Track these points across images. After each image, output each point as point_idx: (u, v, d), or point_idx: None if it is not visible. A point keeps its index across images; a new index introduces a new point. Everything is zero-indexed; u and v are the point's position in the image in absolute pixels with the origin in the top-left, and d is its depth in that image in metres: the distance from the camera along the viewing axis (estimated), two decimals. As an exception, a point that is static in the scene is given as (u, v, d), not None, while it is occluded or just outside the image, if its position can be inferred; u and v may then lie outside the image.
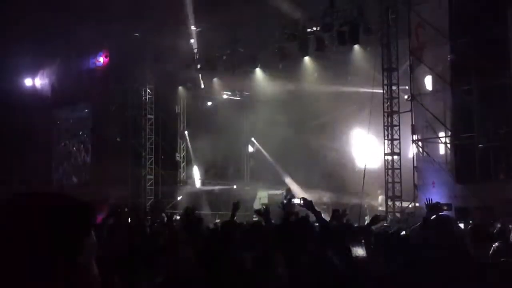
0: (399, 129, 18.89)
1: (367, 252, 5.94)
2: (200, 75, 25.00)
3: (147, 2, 21.91)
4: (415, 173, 18.28)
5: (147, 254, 5.14)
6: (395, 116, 18.96)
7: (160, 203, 24.50)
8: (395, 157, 18.89)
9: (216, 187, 26.95)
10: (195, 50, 24.23)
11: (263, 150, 27.66)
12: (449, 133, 17.44)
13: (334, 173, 24.18)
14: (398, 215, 18.18)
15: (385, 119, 19.01)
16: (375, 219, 7.06)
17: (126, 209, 13.60)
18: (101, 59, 25.76)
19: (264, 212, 6.75)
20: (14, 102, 26.55)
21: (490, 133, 16.47)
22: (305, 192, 21.92)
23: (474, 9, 16.43)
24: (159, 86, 26.06)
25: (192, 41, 23.97)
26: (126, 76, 25.29)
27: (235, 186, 27.05)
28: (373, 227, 6.54)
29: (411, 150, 18.89)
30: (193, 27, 23.45)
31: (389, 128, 18.95)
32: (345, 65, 22.23)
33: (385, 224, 14.98)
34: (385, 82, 19.07)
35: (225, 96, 28.14)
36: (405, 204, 18.60)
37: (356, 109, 23.81)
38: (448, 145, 17.62)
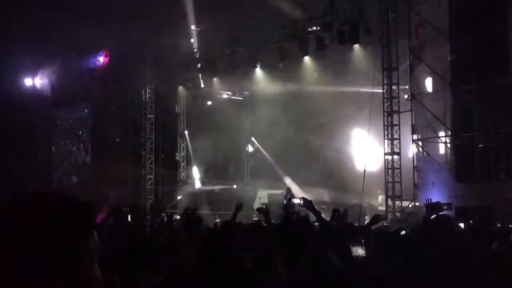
0: (399, 128, 18.89)
1: (367, 252, 5.94)
2: (200, 75, 24.99)
3: (147, 2, 21.92)
4: (415, 173, 18.28)
5: (147, 254, 5.14)
6: (395, 116, 18.96)
7: (160, 203, 24.51)
8: (395, 156, 18.90)
9: (216, 187, 26.96)
10: (195, 50, 24.23)
11: (262, 150, 27.67)
12: (449, 132, 17.44)
13: (334, 173, 24.19)
14: (398, 214, 18.18)
15: (385, 119, 19.01)
16: (375, 218, 7.06)
17: (126, 209, 13.60)
18: (101, 59, 25.77)
19: (264, 212, 6.76)
20: (14, 102, 26.57)
21: (490, 133, 16.47)
22: (304, 191, 21.93)
23: (474, 9, 16.43)
24: (159, 86, 26.07)
25: (192, 41, 23.97)
26: (126, 76, 25.30)
27: (235, 186, 27.06)
28: (373, 227, 6.54)
29: (411, 150, 18.90)
30: (193, 27, 23.45)
31: (389, 127, 18.96)
32: (345, 64, 22.24)
33: (385, 224, 14.98)
34: (385, 81, 19.07)
35: (225, 96, 28.15)
36: (405, 203, 18.61)
37: (356, 108, 23.82)
38: (448, 145, 17.62)
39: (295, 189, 22.73)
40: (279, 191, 22.95)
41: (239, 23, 21.79)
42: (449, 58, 17.26)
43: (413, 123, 18.20)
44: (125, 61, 24.81)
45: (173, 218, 10.98)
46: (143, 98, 26.21)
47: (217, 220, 18.96)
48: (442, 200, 14.54)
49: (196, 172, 27.64)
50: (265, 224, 6.56)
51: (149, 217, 17.17)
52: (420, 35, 18.05)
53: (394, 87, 19.04)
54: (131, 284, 4.38)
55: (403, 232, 7.08)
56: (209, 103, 27.90)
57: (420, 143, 18.27)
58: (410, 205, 18.26)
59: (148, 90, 26.19)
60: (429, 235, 4.28)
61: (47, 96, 28.37)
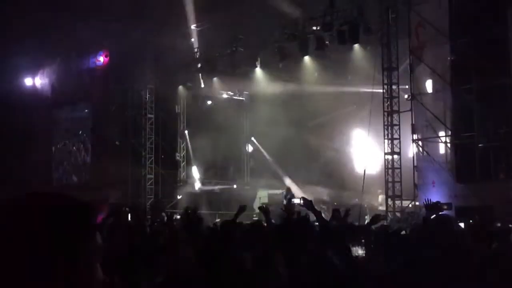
0: (399, 128, 18.90)
1: (367, 252, 5.94)
2: (200, 74, 25.00)
3: (147, 2, 21.92)
4: (415, 173, 18.29)
5: (147, 254, 5.14)
6: (395, 116, 18.97)
7: (160, 203, 24.50)
8: (395, 156, 18.91)
9: (216, 187, 26.96)
10: (195, 50, 24.24)
11: (262, 150, 27.68)
12: (449, 132, 17.44)
13: (334, 173, 24.21)
14: (398, 214, 18.19)
15: (385, 119, 19.02)
16: (375, 218, 7.05)
17: (126, 209, 13.62)
18: (101, 59, 25.76)
19: (265, 211, 6.77)
20: (14, 101, 26.56)
21: (490, 132, 16.47)
22: (304, 190, 21.96)
23: (474, 9, 16.44)
24: (159, 86, 26.06)
25: (192, 41, 23.98)
26: (126, 75, 25.29)
27: (235, 186, 27.06)
28: (373, 227, 6.54)
29: (411, 150, 18.90)
30: (193, 27, 23.45)
31: (389, 127, 18.96)
32: (345, 64, 22.25)
33: (385, 223, 14.98)
34: (385, 81, 19.08)
35: (225, 96, 28.16)
36: (405, 203, 18.61)
37: (356, 108, 23.84)
38: (448, 145, 17.62)
39: (295, 189, 22.74)
40: (279, 191, 22.97)
41: (239, 23, 21.80)
42: (449, 58, 17.26)
43: (413, 123, 18.20)
44: (125, 61, 24.80)
45: (173, 218, 10.97)
46: (143, 98, 26.21)
47: (217, 220, 18.98)
48: (442, 200, 14.54)
49: (195, 172, 27.63)
50: (265, 224, 6.56)
51: (149, 217, 17.16)
52: (420, 35, 18.05)
53: (394, 87, 19.06)
54: (131, 284, 4.38)
55: (403, 232, 7.08)
56: (209, 103, 27.90)
57: (420, 143, 18.27)
58: (410, 205, 18.27)
59: (148, 90, 26.19)
60: (429, 235, 4.28)
61: (47, 96, 28.37)
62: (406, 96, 18.88)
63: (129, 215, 12.77)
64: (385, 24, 19.04)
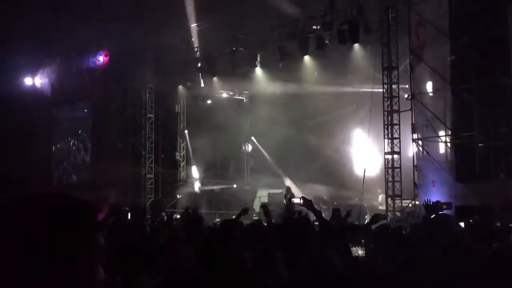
0: (399, 128, 18.91)
1: (367, 252, 5.94)
2: (200, 74, 24.99)
3: (147, 2, 21.92)
4: (415, 172, 18.29)
5: (147, 254, 5.14)
6: (395, 115, 18.98)
7: (160, 202, 24.45)
8: (395, 156, 18.91)
9: (216, 186, 26.97)
10: (195, 49, 24.23)
11: (262, 150, 27.68)
12: (449, 132, 17.43)
13: (334, 172, 24.21)
14: (398, 214, 18.19)
15: (385, 118, 19.03)
16: (375, 218, 7.06)
17: (126, 209, 13.61)
18: (101, 58, 25.77)
19: (265, 210, 6.79)
20: (14, 101, 26.57)
21: (490, 132, 16.46)
22: (303, 188, 21.97)
23: (474, 8, 16.43)
24: (159, 85, 26.06)
25: (192, 40, 23.97)
26: (126, 75, 25.29)
27: (235, 185, 27.07)
28: (373, 226, 6.54)
29: (411, 149, 18.90)
30: (193, 26, 23.45)
31: (389, 127, 18.97)
32: (345, 64, 22.24)
33: (385, 222, 14.97)
34: (385, 81, 19.09)
35: (225, 95, 28.16)
36: (405, 203, 18.62)
37: (356, 108, 23.85)
38: (448, 144, 17.61)
39: (295, 189, 22.74)
40: (279, 191, 22.97)
41: (239, 22, 21.79)
42: (449, 58, 17.25)
43: (413, 122, 18.20)
44: (125, 61, 24.80)
45: (173, 218, 10.97)
46: (143, 97, 26.20)
47: (217, 220, 18.97)
48: (442, 200, 14.55)
49: (195, 171, 27.63)
50: (265, 223, 6.56)
51: (149, 216, 17.14)
52: (420, 34, 18.05)
53: (394, 87, 19.06)
54: (131, 284, 4.38)
55: (403, 232, 7.07)
56: (209, 102, 27.91)
57: (420, 142, 18.27)
58: (410, 205, 18.27)
59: (148, 89, 26.19)
60: (429, 234, 4.28)
61: (47, 96, 28.38)
62: (406, 96, 18.87)
63: (129, 214, 12.77)
64: (385, 24, 19.04)
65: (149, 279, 4.67)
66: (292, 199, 19.75)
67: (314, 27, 20.49)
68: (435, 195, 15.33)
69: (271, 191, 23.78)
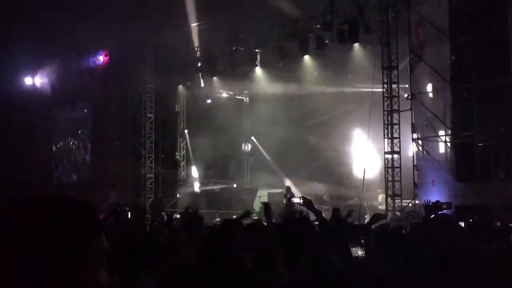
0: (399, 127, 18.91)
1: (367, 252, 5.94)
2: (200, 74, 24.99)
3: (147, 1, 21.92)
4: (415, 172, 18.29)
5: (147, 254, 5.13)
6: (395, 115, 18.98)
7: (160, 202, 24.48)
8: (395, 155, 18.91)
9: (216, 186, 26.97)
10: (195, 49, 24.24)
11: (261, 149, 27.69)
12: (449, 131, 17.43)
13: (333, 172, 24.22)
14: (398, 213, 18.19)
15: (385, 118, 19.03)
16: (375, 217, 7.06)
17: (126, 208, 13.60)
18: (101, 58, 25.76)
19: (266, 210, 6.79)
20: (14, 101, 26.58)
21: (490, 132, 16.45)
22: (304, 188, 21.98)
23: (474, 8, 16.43)
24: (159, 85, 26.05)
25: (192, 40, 23.97)
26: (126, 75, 25.29)
27: (235, 185, 27.07)
28: (373, 226, 6.54)
29: (411, 149, 18.90)
30: (193, 26, 23.45)
31: (389, 126, 18.97)
32: (345, 63, 22.24)
33: (384, 222, 14.97)
34: (385, 80, 19.08)
35: (225, 95, 28.16)
36: (405, 202, 18.62)
37: (356, 107, 23.85)
38: (448, 144, 17.61)
39: (295, 188, 22.75)
40: (279, 190, 22.97)
41: (239, 22, 21.79)
42: (449, 58, 17.25)
43: (413, 122, 18.20)
44: (125, 61, 24.80)
45: (173, 217, 10.97)
46: (143, 97, 26.19)
47: (217, 219, 18.98)
48: (442, 199, 14.55)
49: (194, 172, 27.63)
50: (265, 223, 6.56)
51: (149, 216, 17.15)
52: (420, 34, 18.04)
53: (394, 86, 19.06)
54: (131, 284, 4.38)
55: (403, 231, 7.07)
56: (209, 102, 27.91)
57: (420, 142, 18.27)
58: (410, 204, 18.27)
59: (148, 89, 26.18)
60: (429, 234, 4.28)
61: (47, 95, 28.38)
62: (406, 95, 18.87)
63: (129, 214, 12.76)
64: (385, 24, 19.04)
65: (149, 279, 4.67)
66: (292, 199, 19.76)
67: (314, 26, 20.49)
68: (435, 195, 15.33)
69: (271, 190, 23.79)
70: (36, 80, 28.82)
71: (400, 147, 18.91)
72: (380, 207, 19.91)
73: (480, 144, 16.58)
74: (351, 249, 5.74)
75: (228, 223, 6.26)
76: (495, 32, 16.05)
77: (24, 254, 1.46)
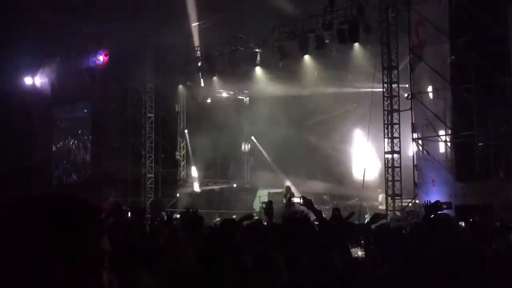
0: (399, 127, 18.92)
1: (366, 251, 5.94)
2: (200, 73, 25.00)
3: (147, 1, 21.92)
4: (415, 171, 18.28)
5: (147, 254, 5.14)
6: (395, 114, 18.98)
7: (160, 202, 24.51)
8: (395, 155, 18.91)
9: (216, 186, 26.98)
10: (195, 49, 24.24)
11: (261, 149, 27.70)
12: (449, 131, 17.43)
13: (334, 172, 24.23)
14: (398, 213, 18.19)
15: (385, 117, 19.03)
16: (375, 217, 7.05)
17: (126, 208, 13.61)
18: (101, 58, 25.76)
19: (268, 212, 6.79)
20: (14, 101, 26.59)
21: (490, 131, 16.46)
22: (304, 189, 21.96)
23: (474, 8, 16.42)
24: (159, 85, 26.06)
25: (192, 39, 23.97)
26: (126, 74, 25.29)
27: (235, 185, 27.08)
28: (373, 226, 6.53)
29: (411, 148, 18.90)
30: (193, 26, 23.45)
31: (389, 126, 18.97)
32: (345, 63, 22.25)
33: (385, 222, 14.96)
34: (385, 80, 19.09)
35: (225, 95, 28.17)
36: (405, 202, 18.62)
37: (356, 107, 23.86)
38: (448, 143, 17.61)
39: (294, 188, 22.76)
40: (279, 190, 22.98)
41: (239, 22, 21.79)
42: (449, 57, 17.25)
43: (413, 121, 18.20)
44: (125, 60, 24.80)
45: (173, 217, 10.97)
46: (143, 97, 26.20)
47: (217, 219, 18.99)
48: (442, 199, 14.54)
49: (194, 172, 27.63)
50: (265, 223, 6.56)
51: (149, 216, 17.15)
52: (420, 34, 18.04)
53: (394, 86, 19.07)
54: (131, 284, 4.38)
55: (403, 231, 7.07)
56: (209, 101, 27.92)
57: (420, 141, 18.27)
58: (410, 204, 18.28)
59: (148, 89, 26.18)
60: (429, 234, 4.28)
61: (47, 95, 28.38)
62: (406, 95, 18.88)
63: (129, 214, 12.76)
64: (385, 23, 19.04)
65: (149, 279, 4.67)
66: (292, 199, 19.77)
67: (314, 26, 20.49)
68: (435, 195, 15.34)
69: (271, 190, 23.79)
70: (36, 80, 28.82)
71: (400, 147, 18.91)
72: (380, 207, 19.91)
73: (480, 144, 16.58)
74: (351, 249, 5.73)
75: (228, 223, 6.25)
76: (495, 32, 16.05)
77: (24, 254, 1.46)
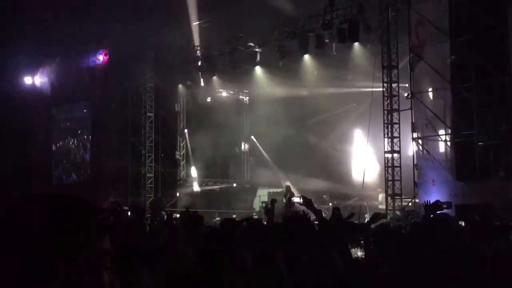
0: (399, 126, 18.91)
1: (366, 251, 5.94)
2: (200, 73, 24.99)
3: (147, 1, 21.92)
4: (415, 171, 18.28)
5: (147, 254, 5.13)
6: (395, 114, 18.98)
7: (160, 201, 24.50)
8: (395, 155, 18.91)
9: (216, 186, 26.99)
10: (195, 48, 24.23)
11: (261, 149, 27.71)
12: (449, 130, 17.43)
13: (333, 171, 24.24)
14: (398, 213, 18.19)
15: (385, 117, 19.02)
16: (375, 217, 7.05)
17: (126, 208, 13.62)
18: (101, 57, 25.74)
19: (268, 211, 6.79)
20: (14, 100, 26.58)
21: (490, 131, 16.45)
22: (304, 189, 21.96)
23: (474, 7, 16.42)
24: (159, 84, 26.05)
25: (192, 39, 23.96)
26: (125, 74, 25.28)
27: (235, 184, 27.08)
28: (373, 225, 6.53)
29: (411, 148, 18.90)
30: (193, 25, 23.44)
31: (389, 126, 18.97)
32: (345, 63, 22.24)
33: (384, 221, 14.97)
34: (385, 79, 19.08)
35: (225, 94, 28.17)
36: (405, 202, 18.62)
37: (356, 107, 23.86)
38: (448, 143, 17.61)
39: (294, 188, 22.77)
40: (279, 190, 22.99)
41: (239, 21, 21.78)
42: (449, 57, 17.25)
43: (413, 121, 18.19)
44: (125, 60, 24.79)
45: (173, 217, 10.97)
46: (143, 96, 26.18)
47: (217, 219, 18.99)
48: (442, 199, 14.55)
49: (194, 172, 27.63)
50: (265, 222, 6.56)
51: (149, 215, 17.16)
52: (420, 33, 18.04)
53: (394, 85, 19.06)
54: (131, 284, 4.38)
55: (403, 231, 7.07)
56: (209, 101, 27.92)
57: (420, 141, 18.27)
58: (410, 204, 18.28)
59: (148, 88, 26.17)
60: (429, 234, 4.28)
61: (47, 95, 28.36)
62: (406, 95, 18.87)
63: (129, 214, 12.77)
64: (385, 23, 19.04)
65: (149, 279, 4.67)
66: (292, 198, 19.77)
67: (314, 26, 20.48)
68: (435, 194, 15.34)
69: (271, 190, 23.80)
70: (35, 80, 28.81)
71: (400, 146, 18.91)
72: (380, 206, 19.92)
73: (480, 143, 16.58)
74: (351, 249, 5.73)
75: (228, 223, 6.26)
76: (495, 32, 16.05)
77: (24, 254, 1.46)
